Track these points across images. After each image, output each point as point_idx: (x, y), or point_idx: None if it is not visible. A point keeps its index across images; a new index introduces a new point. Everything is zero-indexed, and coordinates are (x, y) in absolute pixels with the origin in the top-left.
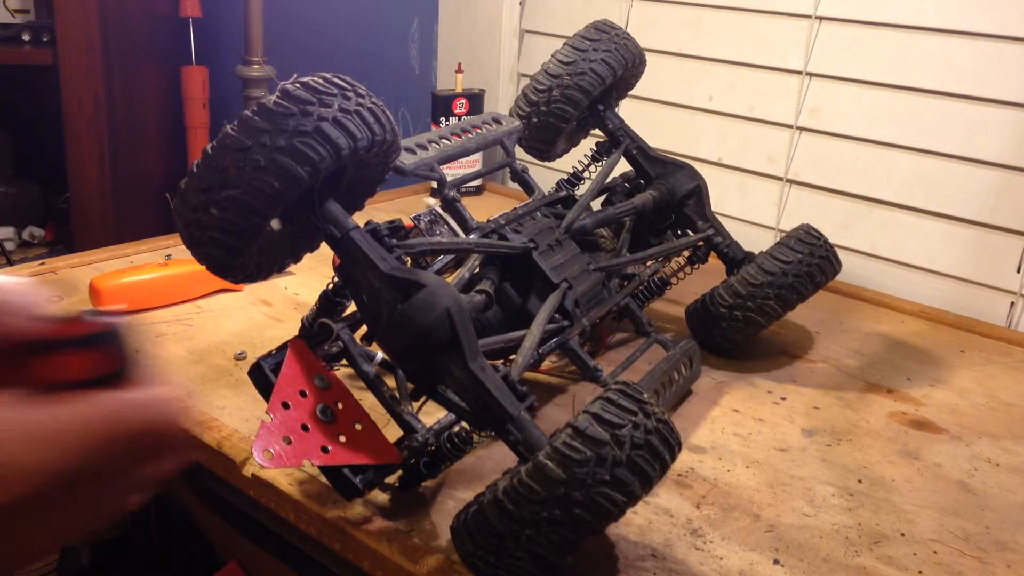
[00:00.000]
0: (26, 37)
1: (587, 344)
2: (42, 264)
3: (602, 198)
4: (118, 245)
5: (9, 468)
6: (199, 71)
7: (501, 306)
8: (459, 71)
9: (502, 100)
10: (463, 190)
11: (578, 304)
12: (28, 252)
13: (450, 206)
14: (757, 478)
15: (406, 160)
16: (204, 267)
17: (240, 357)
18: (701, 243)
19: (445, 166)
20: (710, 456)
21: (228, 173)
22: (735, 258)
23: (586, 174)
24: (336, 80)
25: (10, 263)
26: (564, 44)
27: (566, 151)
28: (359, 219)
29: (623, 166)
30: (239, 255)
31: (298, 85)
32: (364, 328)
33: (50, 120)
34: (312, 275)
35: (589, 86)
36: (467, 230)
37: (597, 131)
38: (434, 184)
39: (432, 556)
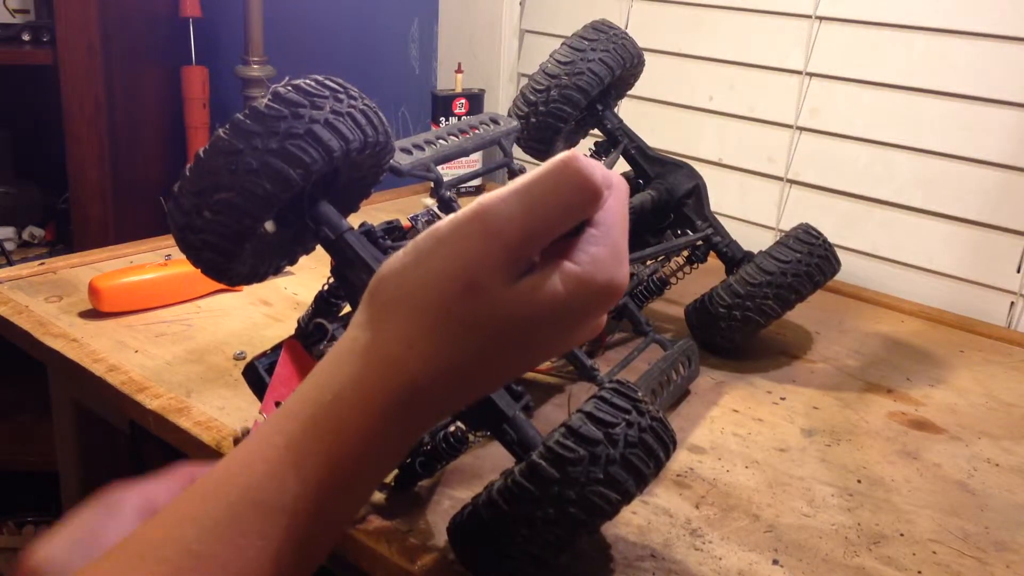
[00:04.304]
0: (26, 37)
1: (585, 344)
2: (42, 264)
3: None
4: (118, 245)
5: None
6: (199, 71)
7: None
8: (459, 71)
9: (502, 100)
10: (462, 190)
11: None
12: (28, 252)
13: (446, 206)
14: (756, 478)
15: (402, 160)
16: (199, 270)
17: (239, 357)
18: (700, 243)
19: (443, 166)
20: (709, 456)
21: (220, 176)
22: (734, 258)
23: None
24: (327, 82)
25: (10, 263)
26: (562, 44)
27: (565, 151)
28: (357, 220)
29: (622, 166)
30: (233, 258)
31: (289, 88)
32: None
33: (50, 120)
34: (312, 275)
35: (587, 86)
36: None
37: (596, 131)
38: (432, 184)
39: (429, 555)
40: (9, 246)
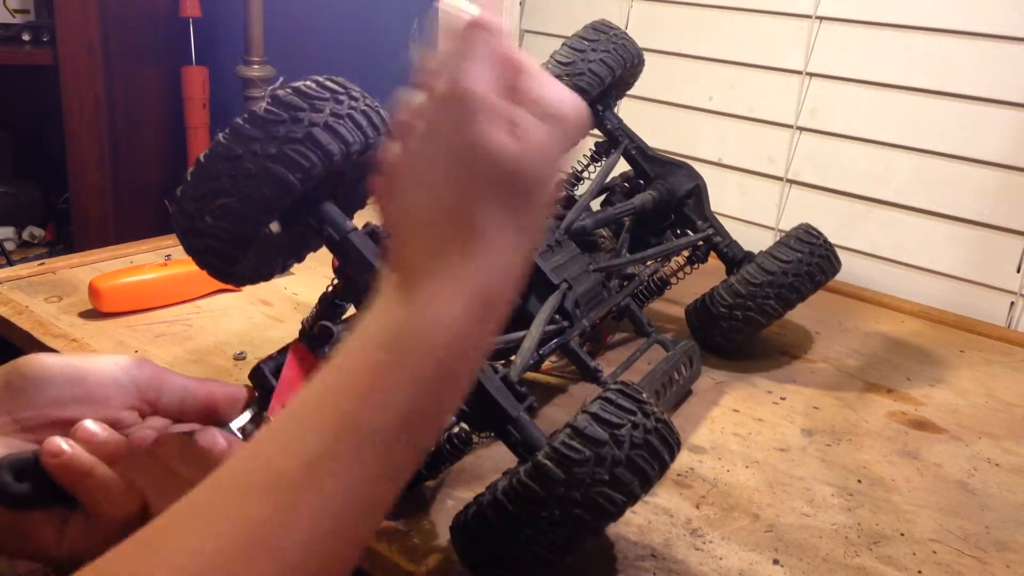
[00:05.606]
0: (26, 37)
1: (587, 344)
2: (42, 264)
3: (601, 198)
4: (118, 245)
5: None
6: (199, 71)
7: None
8: None
9: None
10: None
11: (578, 305)
12: (28, 252)
13: None
14: (757, 478)
15: None
16: (199, 270)
17: (240, 357)
18: (701, 243)
19: None
20: (710, 456)
21: (221, 182)
22: (735, 258)
23: (585, 174)
24: (328, 84)
25: (10, 263)
26: (562, 44)
27: None
28: (360, 220)
29: (623, 165)
30: (236, 261)
31: (289, 91)
32: None
33: (50, 120)
34: (312, 275)
35: (587, 86)
36: None
37: (596, 131)
38: None
39: (432, 556)
40: (9, 246)
